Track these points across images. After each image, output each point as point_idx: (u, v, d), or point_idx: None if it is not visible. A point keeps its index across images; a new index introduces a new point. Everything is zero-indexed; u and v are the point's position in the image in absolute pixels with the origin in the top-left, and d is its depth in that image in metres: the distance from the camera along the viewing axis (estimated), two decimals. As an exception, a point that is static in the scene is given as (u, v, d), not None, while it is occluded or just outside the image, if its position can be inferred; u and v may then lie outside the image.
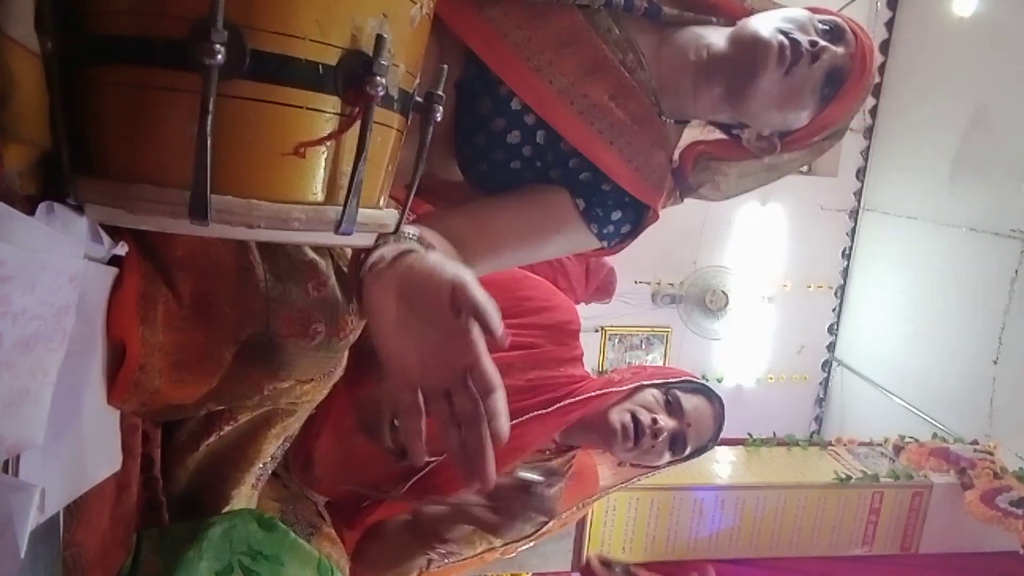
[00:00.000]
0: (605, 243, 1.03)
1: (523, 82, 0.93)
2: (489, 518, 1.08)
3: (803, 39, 0.94)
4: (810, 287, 4.58)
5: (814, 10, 1.00)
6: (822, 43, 0.94)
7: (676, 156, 1.09)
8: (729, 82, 0.97)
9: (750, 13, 1.03)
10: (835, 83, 0.97)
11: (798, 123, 1.01)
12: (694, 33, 1.02)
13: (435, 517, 1.19)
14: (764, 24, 0.96)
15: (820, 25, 0.98)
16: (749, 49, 0.94)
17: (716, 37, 0.99)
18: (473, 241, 0.93)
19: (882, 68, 4.24)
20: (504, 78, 0.93)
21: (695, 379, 1.42)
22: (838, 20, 0.99)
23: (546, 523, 1.17)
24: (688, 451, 1.34)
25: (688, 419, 1.32)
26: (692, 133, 1.11)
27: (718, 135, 1.10)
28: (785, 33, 0.94)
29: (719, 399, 1.39)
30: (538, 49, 0.92)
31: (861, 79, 0.98)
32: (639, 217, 1.04)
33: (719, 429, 1.37)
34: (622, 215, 1.01)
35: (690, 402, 1.34)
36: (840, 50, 0.96)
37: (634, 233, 1.06)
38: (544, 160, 0.98)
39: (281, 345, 0.73)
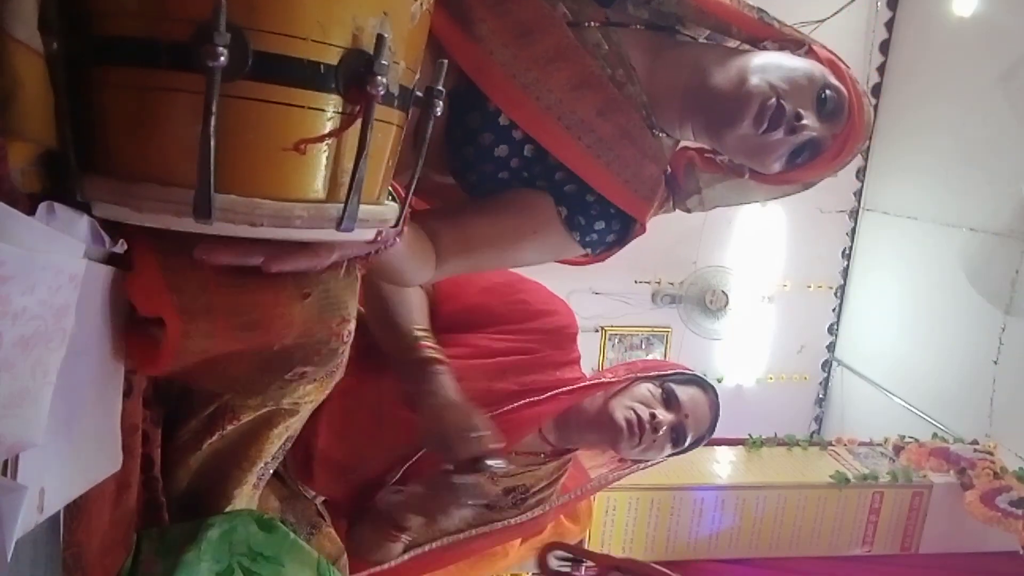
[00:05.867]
0: (589, 250, 1.05)
1: (510, 100, 0.94)
2: (425, 503, 1.15)
3: (789, 109, 0.93)
4: (810, 287, 4.57)
5: (833, 67, 0.98)
6: (805, 122, 0.94)
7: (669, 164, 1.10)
8: (709, 119, 0.98)
9: (770, 32, 1.02)
10: (810, 154, 0.99)
11: (766, 172, 1.03)
12: (693, 55, 1.02)
13: (389, 504, 1.22)
14: (765, 72, 0.95)
15: (824, 93, 0.96)
16: (735, 94, 0.95)
17: (715, 66, 0.98)
18: (447, 240, 0.96)
19: (882, 68, 4.24)
20: (491, 96, 0.94)
21: (687, 370, 1.42)
22: (842, 96, 0.97)
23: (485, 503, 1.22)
24: (688, 442, 1.35)
25: (685, 410, 1.33)
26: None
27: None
28: (778, 93, 0.93)
29: (712, 388, 1.40)
30: (525, 67, 0.93)
31: (836, 158, 1.00)
32: (625, 228, 1.05)
33: (716, 417, 1.38)
34: (606, 225, 1.03)
35: (685, 393, 1.35)
36: (823, 130, 0.96)
37: (619, 243, 1.07)
38: (531, 172, 1.00)
39: (332, 286, 0.70)
